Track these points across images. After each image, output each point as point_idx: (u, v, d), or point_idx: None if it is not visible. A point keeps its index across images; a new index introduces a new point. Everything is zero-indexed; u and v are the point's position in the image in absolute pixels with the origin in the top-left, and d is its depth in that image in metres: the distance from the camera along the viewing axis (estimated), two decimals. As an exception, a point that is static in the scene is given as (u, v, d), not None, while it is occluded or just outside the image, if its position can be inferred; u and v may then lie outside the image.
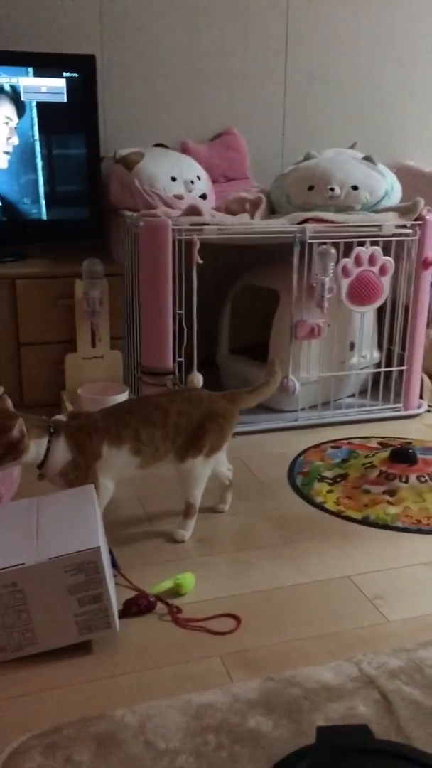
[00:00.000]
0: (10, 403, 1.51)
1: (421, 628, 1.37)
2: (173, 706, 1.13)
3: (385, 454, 2.00)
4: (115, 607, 1.30)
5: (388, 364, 2.45)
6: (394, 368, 2.43)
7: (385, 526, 1.73)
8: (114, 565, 1.49)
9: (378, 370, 2.46)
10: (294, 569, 1.56)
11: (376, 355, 2.49)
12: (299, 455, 2.11)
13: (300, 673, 1.22)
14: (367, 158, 2.40)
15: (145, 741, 1.06)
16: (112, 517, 1.70)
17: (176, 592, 1.45)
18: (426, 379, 2.49)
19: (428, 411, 2.45)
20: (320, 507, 1.82)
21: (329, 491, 1.88)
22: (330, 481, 1.93)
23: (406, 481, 1.85)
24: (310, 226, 2.17)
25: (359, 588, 1.50)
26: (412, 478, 1.85)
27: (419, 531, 1.71)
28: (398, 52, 2.74)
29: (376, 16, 2.69)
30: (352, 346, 2.41)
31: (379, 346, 2.47)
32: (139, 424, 1.56)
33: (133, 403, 1.71)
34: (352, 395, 2.49)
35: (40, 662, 1.25)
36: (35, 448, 1.47)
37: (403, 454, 1.96)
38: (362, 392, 2.50)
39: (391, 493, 1.83)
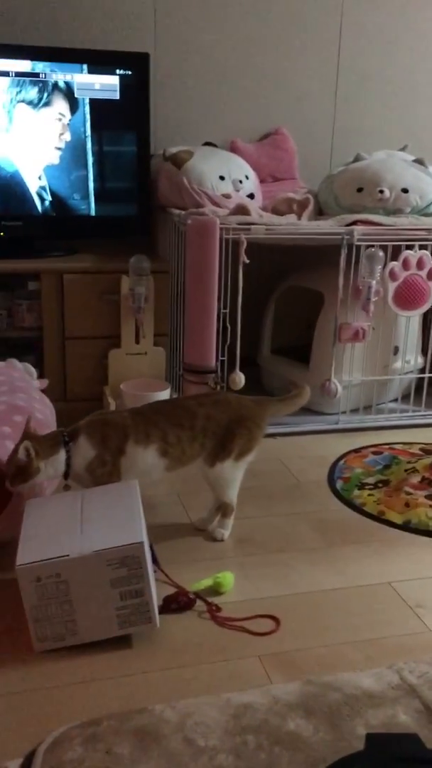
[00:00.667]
0: (32, 426, 1.51)
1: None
2: (213, 704, 1.13)
3: (428, 460, 1.98)
4: (156, 602, 1.31)
5: (433, 369, 2.42)
6: (438, 374, 2.40)
7: (427, 532, 1.70)
8: (154, 561, 1.49)
9: (422, 375, 2.43)
10: (334, 573, 1.55)
11: (420, 360, 2.46)
12: (340, 459, 2.09)
13: (340, 678, 1.21)
14: (418, 161, 2.37)
15: (184, 738, 1.06)
16: (152, 513, 1.71)
17: (215, 590, 1.45)
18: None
19: (471, 418, 2.42)
20: (360, 510, 1.80)
21: (370, 494, 1.87)
22: (371, 487, 1.91)
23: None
24: (358, 228, 2.15)
25: (400, 595, 1.48)
26: None
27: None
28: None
29: (431, 19, 2.66)
30: (396, 350, 2.38)
31: (424, 351, 2.44)
32: (167, 426, 1.56)
33: (162, 404, 1.71)
34: (395, 400, 2.47)
35: (81, 653, 1.26)
36: (50, 467, 1.47)
37: (446, 462, 1.94)
38: (405, 397, 2.47)
39: (434, 499, 1.81)
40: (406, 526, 1.73)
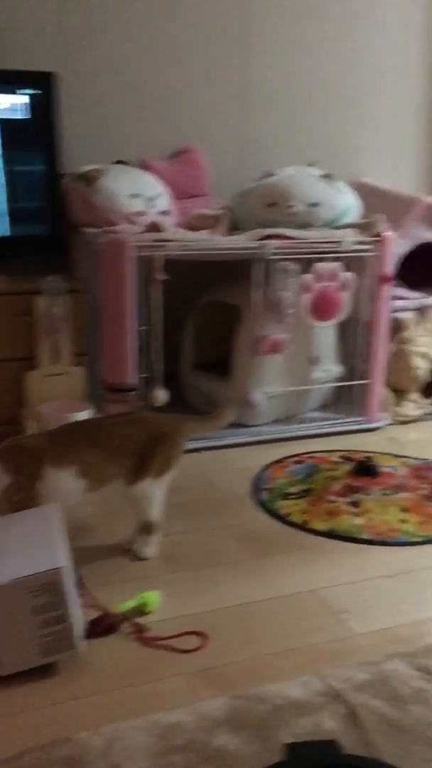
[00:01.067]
0: None
1: (387, 640, 1.38)
2: (139, 727, 1.12)
3: (348, 467, 2.02)
4: (80, 627, 1.28)
5: (351, 378, 2.47)
6: (356, 382, 2.46)
7: (351, 538, 1.74)
8: (79, 584, 1.47)
9: (341, 383, 2.49)
10: (260, 585, 1.56)
11: (338, 369, 2.51)
12: (263, 470, 2.11)
13: (267, 690, 1.21)
14: (327, 176, 2.43)
15: (111, 764, 1.04)
16: (78, 535, 1.68)
17: (141, 610, 1.44)
18: (387, 392, 2.52)
19: (390, 424, 2.48)
20: (285, 520, 1.82)
21: (294, 504, 1.89)
22: (295, 496, 1.94)
23: (370, 494, 1.86)
24: (271, 243, 2.19)
25: (326, 602, 1.50)
26: (376, 491, 1.87)
27: (383, 543, 1.72)
28: (359, 72, 2.79)
29: (339, 36, 2.74)
30: (314, 360, 2.43)
31: (342, 360, 2.50)
32: (84, 447, 1.54)
33: (79, 425, 1.70)
34: (316, 409, 2.51)
35: (6, 686, 1.23)
36: None
37: (366, 468, 1.99)
38: (326, 406, 2.52)
39: (356, 504, 1.85)
40: (330, 534, 1.76)
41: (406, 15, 2.78)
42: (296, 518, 1.82)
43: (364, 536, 1.73)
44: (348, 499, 1.87)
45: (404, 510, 1.84)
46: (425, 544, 1.72)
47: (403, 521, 1.80)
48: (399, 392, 2.56)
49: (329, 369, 2.48)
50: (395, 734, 1.12)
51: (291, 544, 1.73)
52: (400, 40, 2.80)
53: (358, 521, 1.78)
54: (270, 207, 2.34)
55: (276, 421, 2.38)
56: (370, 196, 2.67)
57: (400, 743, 1.10)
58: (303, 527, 1.79)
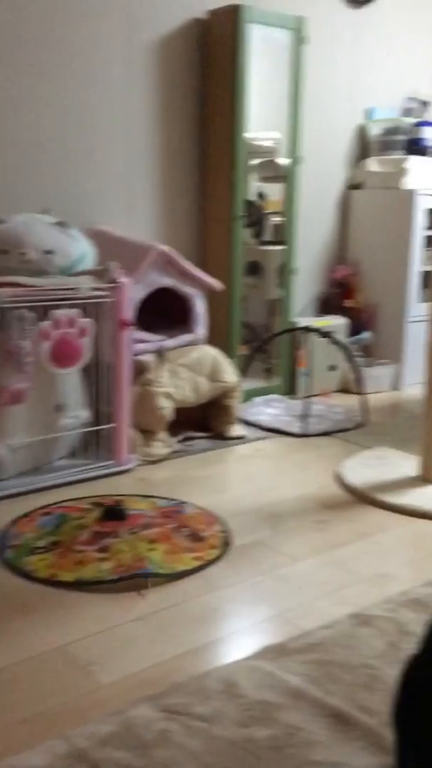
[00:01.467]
0: None
1: (134, 686, 1.38)
2: None
3: (96, 513, 2.01)
4: None
5: (98, 422, 2.48)
6: (103, 426, 2.47)
7: (98, 582, 1.72)
8: None
9: (87, 429, 2.48)
10: (1, 650, 1.48)
11: (85, 414, 2.50)
12: (9, 526, 2.03)
13: (5, 764, 1.14)
14: (60, 223, 2.44)
15: None
16: None
17: None
18: (135, 433, 2.56)
19: (139, 464, 2.52)
20: (31, 576, 1.76)
21: (41, 559, 1.83)
22: (43, 550, 1.88)
23: (118, 537, 1.87)
24: (4, 291, 2.14)
25: (73, 656, 1.47)
26: (124, 532, 1.88)
27: (131, 576, 1.72)
28: (79, 118, 2.83)
29: (55, 83, 2.78)
30: (59, 407, 2.40)
31: (88, 405, 2.49)
32: None
33: None
34: (65, 457, 2.47)
35: None
36: None
37: (113, 512, 1.99)
38: (75, 453, 2.49)
39: (104, 549, 1.84)
40: (77, 584, 1.73)
41: (131, 75, 2.91)
42: (42, 573, 1.77)
43: (113, 577, 1.73)
44: (96, 546, 1.85)
45: (152, 541, 1.87)
46: (173, 579, 1.76)
47: (150, 550, 1.83)
48: (147, 432, 2.61)
49: (76, 415, 2.47)
50: (138, 783, 1.11)
51: (37, 602, 1.66)
52: (127, 97, 2.92)
53: (107, 566, 1.77)
54: (3, 254, 2.29)
55: (23, 474, 2.30)
56: (106, 243, 2.73)
57: (142, 792, 1.10)
58: (50, 581, 1.74)
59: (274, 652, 1.47)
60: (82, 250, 2.43)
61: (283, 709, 1.29)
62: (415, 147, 3.57)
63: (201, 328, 2.84)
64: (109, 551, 1.83)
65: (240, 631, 1.57)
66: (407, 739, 1.03)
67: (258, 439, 2.86)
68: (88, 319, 2.30)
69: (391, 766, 1.14)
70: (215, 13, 3.00)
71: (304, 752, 1.19)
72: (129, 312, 2.44)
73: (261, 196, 3.46)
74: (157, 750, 1.19)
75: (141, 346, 2.64)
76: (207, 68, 3.06)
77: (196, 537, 1.95)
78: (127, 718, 1.26)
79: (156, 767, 1.15)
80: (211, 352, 2.78)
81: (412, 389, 3.50)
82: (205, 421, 2.90)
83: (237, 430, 2.87)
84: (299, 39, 3.09)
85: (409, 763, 1.01)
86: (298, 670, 1.40)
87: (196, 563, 1.83)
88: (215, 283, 2.83)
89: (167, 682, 1.38)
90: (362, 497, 2.29)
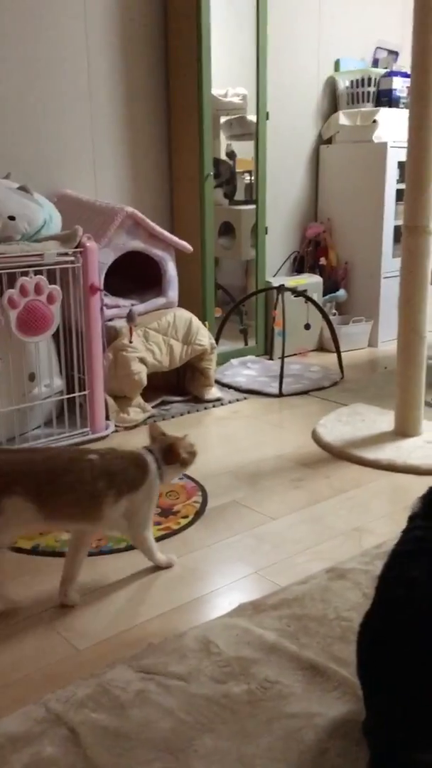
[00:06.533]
0: None
1: (110, 649, 1.39)
2: None
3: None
4: None
5: (72, 390, 2.46)
6: (77, 394, 2.45)
7: (55, 553, 1.71)
8: None
9: (62, 397, 2.46)
10: (-21, 620, 1.48)
11: (58, 382, 2.48)
12: (-15, 497, 2.01)
13: (-18, 731, 1.15)
14: (22, 188, 2.39)
15: None
16: None
17: None
18: (110, 400, 2.55)
19: (116, 431, 2.51)
20: None
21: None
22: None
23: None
24: (-33, 260, 2.09)
25: (50, 622, 1.47)
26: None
27: (100, 552, 1.72)
28: (38, 79, 2.76)
29: (14, 44, 2.69)
30: (32, 376, 2.37)
31: (62, 373, 2.47)
32: None
33: None
34: (41, 426, 2.46)
35: None
36: None
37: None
38: (50, 421, 2.47)
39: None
40: (34, 550, 1.73)
41: (90, 33, 2.82)
42: (18, 542, 1.76)
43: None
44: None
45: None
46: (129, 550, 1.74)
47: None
48: (122, 399, 2.60)
49: (49, 384, 2.45)
50: (114, 743, 1.12)
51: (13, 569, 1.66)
52: (87, 56, 2.83)
53: (66, 536, 1.75)
54: (-36, 222, 2.24)
55: (-3, 444, 2.28)
56: (71, 207, 2.68)
57: (119, 751, 1.11)
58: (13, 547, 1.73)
59: (251, 609, 1.47)
60: (46, 215, 2.38)
61: (259, 664, 1.30)
62: (385, 98, 3.51)
63: (173, 292, 2.81)
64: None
65: (217, 591, 1.58)
66: (370, 687, 1.04)
67: (235, 400, 2.85)
68: (55, 286, 2.26)
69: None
70: (175, -35, 2.90)
71: (279, 705, 1.20)
72: (98, 277, 2.40)
73: (231, 154, 3.41)
74: (134, 710, 1.20)
75: (112, 312, 2.61)
76: (169, 23, 2.97)
77: (167, 512, 1.93)
78: (104, 680, 1.27)
79: (132, 726, 1.16)
80: (185, 315, 2.75)
81: (388, 345, 3.50)
82: (181, 384, 2.89)
83: (213, 392, 2.86)
84: (262, -11, 3.00)
85: (374, 709, 1.03)
86: (274, 625, 1.41)
87: (161, 533, 1.81)
88: (186, 245, 2.79)
89: (144, 643, 1.39)
90: (339, 454, 2.30)
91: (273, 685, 1.25)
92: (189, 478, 2.11)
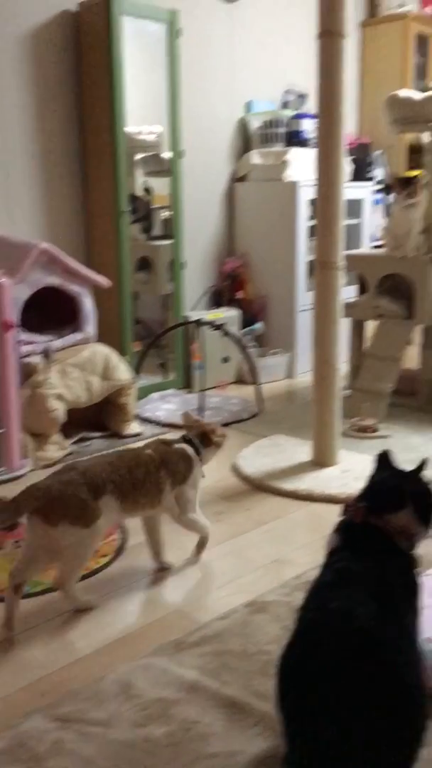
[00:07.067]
0: None
1: (27, 699, 1.34)
2: None
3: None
4: None
5: (-14, 429, 2.39)
6: (-8, 432, 2.39)
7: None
8: None
9: (-24, 436, 2.39)
10: None
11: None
12: None
13: None
14: None
15: None
16: None
17: None
18: (27, 438, 2.49)
19: (32, 470, 2.45)
20: None
21: None
22: None
23: (1, 549, 1.81)
24: None
25: (-38, 674, 1.41)
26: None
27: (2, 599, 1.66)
28: None
29: None
30: None
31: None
32: None
33: None
34: None
35: None
36: None
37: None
38: (-37, 462, 2.40)
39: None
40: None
41: (1, 70, 2.81)
42: None
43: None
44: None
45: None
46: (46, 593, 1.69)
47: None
48: (39, 436, 2.55)
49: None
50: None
51: None
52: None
53: None
54: None
55: None
56: (-15, 243, 2.64)
57: (34, 806, 1.06)
58: None
59: (172, 647, 1.46)
60: (-42, 252, 2.34)
61: (179, 704, 1.28)
62: (295, 139, 3.63)
63: (90, 327, 2.79)
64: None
65: (137, 631, 1.56)
66: (290, 719, 1.04)
67: (155, 435, 2.84)
68: (-32, 323, 2.21)
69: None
70: (86, 6, 2.94)
71: (200, 746, 1.19)
72: (12, 313, 2.36)
73: (148, 190, 3.44)
74: (50, 761, 1.16)
75: (27, 348, 2.57)
76: (81, 62, 3.00)
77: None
78: (19, 731, 1.22)
79: (49, 779, 1.12)
80: (103, 351, 2.74)
81: (305, 377, 3.57)
82: (100, 420, 2.86)
83: (133, 427, 2.84)
84: (173, 32, 3.07)
85: (294, 742, 1.03)
86: (195, 663, 1.40)
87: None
88: (103, 280, 2.79)
89: (62, 690, 1.35)
90: (258, 485, 2.32)
91: (194, 726, 1.23)
92: (108, 515, 2.08)
